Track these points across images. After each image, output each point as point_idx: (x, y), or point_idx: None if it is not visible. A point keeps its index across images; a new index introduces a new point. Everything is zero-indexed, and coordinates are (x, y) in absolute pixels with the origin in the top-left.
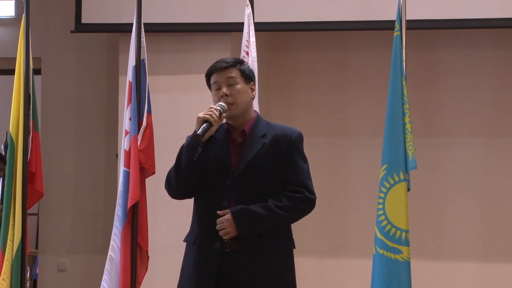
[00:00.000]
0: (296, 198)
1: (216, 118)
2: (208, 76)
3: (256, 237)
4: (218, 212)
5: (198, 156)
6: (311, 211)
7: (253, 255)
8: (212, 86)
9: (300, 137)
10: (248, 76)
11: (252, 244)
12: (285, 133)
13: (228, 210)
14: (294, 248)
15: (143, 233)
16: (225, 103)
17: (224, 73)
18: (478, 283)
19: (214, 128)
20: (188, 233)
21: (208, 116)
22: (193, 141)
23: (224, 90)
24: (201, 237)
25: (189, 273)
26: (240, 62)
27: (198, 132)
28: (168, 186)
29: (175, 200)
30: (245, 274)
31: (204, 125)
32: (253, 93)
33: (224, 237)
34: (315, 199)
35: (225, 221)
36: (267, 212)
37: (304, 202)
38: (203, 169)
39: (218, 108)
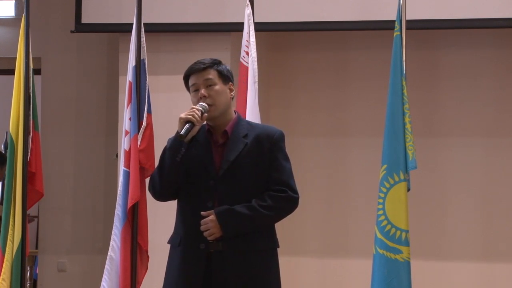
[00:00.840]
0: (279, 197)
1: (198, 118)
2: (186, 78)
3: (240, 237)
4: (202, 213)
5: (181, 157)
6: (294, 209)
7: (238, 255)
8: (190, 88)
9: (282, 136)
10: (226, 77)
11: (236, 244)
12: (267, 133)
13: (212, 211)
14: (278, 247)
15: (143, 233)
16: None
17: (201, 74)
18: (478, 283)
19: (196, 128)
20: (172, 235)
21: (190, 117)
22: (176, 142)
23: (203, 92)
24: (186, 239)
25: (175, 275)
26: (217, 62)
27: (181, 133)
28: (152, 188)
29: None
30: (231, 274)
31: (187, 125)
32: (232, 93)
33: (209, 238)
34: (298, 197)
35: (209, 221)
36: (251, 212)
37: (287, 201)
38: (186, 170)
39: (200, 108)
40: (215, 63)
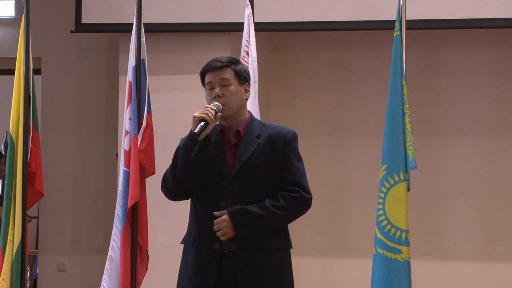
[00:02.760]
0: (292, 197)
1: (212, 117)
2: (203, 74)
3: (253, 237)
4: (215, 213)
5: (195, 155)
6: (307, 210)
7: (252, 255)
8: (206, 86)
9: (294, 137)
10: (242, 77)
11: (250, 244)
12: (279, 133)
13: (225, 210)
14: (292, 247)
15: (143, 233)
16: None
17: (218, 73)
18: (478, 283)
19: (210, 127)
20: (186, 235)
21: (205, 115)
22: (190, 140)
23: (217, 91)
24: (199, 239)
25: (189, 275)
26: (235, 62)
27: (195, 131)
28: (165, 187)
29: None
30: (244, 274)
31: (201, 123)
32: (247, 94)
33: (222, 238)
34: (311, 198)
35: (222, 221)
36: (264, 211)
37: (300, 201)
38: (198, 170)
39: (214, 107)
40: (233, 62)
